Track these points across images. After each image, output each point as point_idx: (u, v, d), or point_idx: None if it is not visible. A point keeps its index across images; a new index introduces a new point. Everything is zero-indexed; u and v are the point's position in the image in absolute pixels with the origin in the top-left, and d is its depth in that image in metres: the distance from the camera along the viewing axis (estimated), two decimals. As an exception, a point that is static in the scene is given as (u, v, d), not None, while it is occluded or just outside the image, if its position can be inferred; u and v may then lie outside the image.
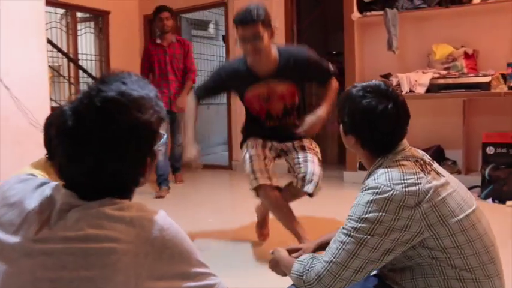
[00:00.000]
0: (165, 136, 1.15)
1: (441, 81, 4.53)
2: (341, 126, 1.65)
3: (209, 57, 8.95)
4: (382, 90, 1.54)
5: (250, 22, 2.56)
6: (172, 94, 5.03)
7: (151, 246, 0.95)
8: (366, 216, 1.41)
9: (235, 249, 3.04)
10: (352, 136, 1.57)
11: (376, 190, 1.42)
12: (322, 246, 1.97)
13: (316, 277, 1.43)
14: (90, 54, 6.54)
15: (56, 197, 1.00)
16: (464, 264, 1.41)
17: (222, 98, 8.85)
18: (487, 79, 4.30)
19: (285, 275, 1.72)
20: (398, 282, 1.53)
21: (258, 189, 2.75)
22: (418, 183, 1.42)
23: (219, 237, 3.25)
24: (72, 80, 6.24)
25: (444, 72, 4.65)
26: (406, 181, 1.42)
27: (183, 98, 4.86)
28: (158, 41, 5.10)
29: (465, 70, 4.61)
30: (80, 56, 6.35)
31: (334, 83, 2.83)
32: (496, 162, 4.14)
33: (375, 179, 1.46)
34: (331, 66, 2.83)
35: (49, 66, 5.64)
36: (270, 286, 2.12)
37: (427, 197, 1.40)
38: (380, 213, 1.39)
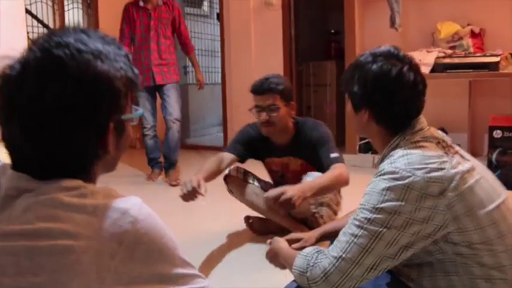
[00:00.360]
0: (140, 111, 0.95)
1: (447, 60, 4.32)
2: (349, 103, 1.45)
3: (203, 35, 8.68)
4: (393, 54, 1.36)
5: (267, 91, 2.45)
6: (153, 65, 4.28)
7: (120, 242, 0.75)
8: (382, 205, 1.22)
9: (231, 240, 2.85)
10: (365, 110, 1.37)
11: (394, 175, 1.23)
12: (325, 236, 1.79)
13: (322, 274, 1.25)
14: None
15: (0, 180, 0.80)
16: (494, 262, 1.23)
17: (217, 77, 8.70)
18: (495, 59, 4.10)
19: (284, 267, 1.56)
20: (414, 279, 1.35)
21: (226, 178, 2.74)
22: (441, 168, 1.23)
23: (213, 224, 3.07)
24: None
25: (449, 51, 4.45)
26: (428, 166, 1.23)
27: (199, 73, 4.68)
28: (141, 3, 4.30)
29: (471, 49, 4.42)
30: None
31: (338, 169, 2.39)
32: (503, 147, 3.98)
33: (391, 163, 1.26)
34: (336, 154, 2.48)
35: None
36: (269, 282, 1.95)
37: (453, 184, 1.21)
38: (398, 203, 1.20)
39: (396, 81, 1.32)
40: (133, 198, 0.81)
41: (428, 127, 1.41)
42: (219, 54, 7.02)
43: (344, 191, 2.63)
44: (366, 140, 5.13)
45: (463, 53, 4.40)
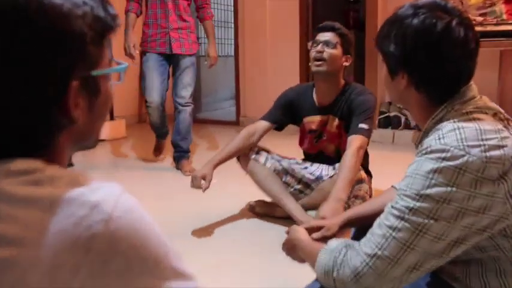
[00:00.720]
0: (124, 64, 0.72)
1: (478, 28, 3.98)
2: (384, 67, 1.20)
3: (215, 5, 8.36)
4: (439, 5, 1.11)
5: (329, 29, 2.41)
6: (171, 29, 3.61)
7: (87, 250, 0.53)
8: (428, 191, 0.98)
9: (241, 222, 2.65)
10: (404, 74, 1.13)
11: (443, 154, 0.99)
12: (350, 223, 1.57)
13: (352, 275, 1.03)
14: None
15: None
16: None
17: (230, 49, 8.41)
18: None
19: (303, 261, 1.32)
20: (460, 278, 1.12)
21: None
22: (502, 146, 0.99)
23: (224, 204, 2.86)
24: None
25: (480, 18, 4.12)
26: (486, 142, 0.99)
27: (212, 47, 3.81)
28: None
29: (504, 16, 4.08)
30: None
31: (354, 145, 2.24)
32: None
33: (439, 138, 1.02)
34: (367, 125, 2.30)
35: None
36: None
37: (516, 166, 0.97)
38: (448, 188, 0.97)
39: (442, 38, 1.07)
40: (109, 186, 0.59)
41: (480, 96, 1.16)
42: (232, 25, 6.73)
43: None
44: (386, 115, 4.87)
45: (495, 20, 4.07)
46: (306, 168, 2.56)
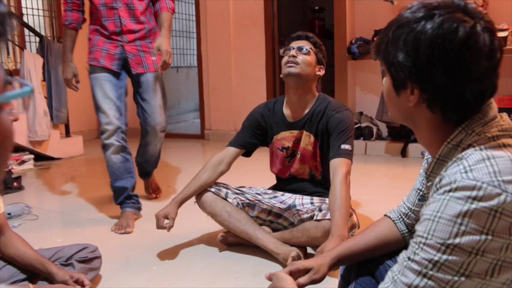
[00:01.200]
0: (28, 87, 0.48)
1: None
2: (388, 79, 0.99)
3: (178, 15, 8.10)
4: (459, 6, 0.90)
5: (303, 38, 2.28)
6: (126, 42, 2.79)
7: None
8: (457, 241, 0.78)
9: (214, 258, 2.39)
10: (414, 88, 0.92)
11: (474, 193, 0.79)
12: (340, 261, 1.35)
13: None
14: (37, 9, 5.65)
15: None
16: None
17: (193, 60, 8.16)
18: (503, 34, 3.68)
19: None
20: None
21: None
22: (543, 180, 0.78)
23: (191, 234, 2.60)
24: (16, 40, 5.37)
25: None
26: (524, 177, 0.78)
27: (164, 40, 2.72)
28: None
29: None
30: (24, 11, 5.46)
31: (341, 170, 2.04)
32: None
33: (466, 171, 0.81)
34: (349, 146, 2.12)
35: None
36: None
37: None
38: (483, 236, 0.78)
39: (466, 47, 0.86)
40: None
41: (500, 115, 0.96)
42: (195, 35, 6.49)
43: (373, 179, 2.20)
44: (357, 125, 4.72)
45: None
46: (275, 197, 2.33)
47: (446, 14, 0.88)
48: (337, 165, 2.03)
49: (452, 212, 0.80)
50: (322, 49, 2.28)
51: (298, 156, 2.26)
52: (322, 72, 2.25)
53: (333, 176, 2.02)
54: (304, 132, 2.23)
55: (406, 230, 1.29)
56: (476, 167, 0.81)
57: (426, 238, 0.82)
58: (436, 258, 0.80)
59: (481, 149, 0.85)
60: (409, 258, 0.84)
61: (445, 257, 0.79)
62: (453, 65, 0.87)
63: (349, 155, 2.07)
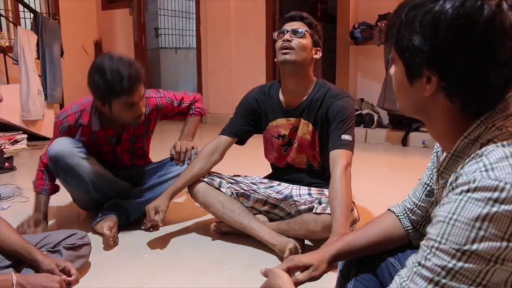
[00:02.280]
0: None
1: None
2: (398, 66, 0.90)
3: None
4: None
5: (297, 19, 2.12)
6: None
7: None
8: (475, 247, 0.71)
9: (206, 248, 2.32)
10: (432, 76, 0.83)
11: (496, 194, 0.71)
12: (339, 257, 1.28)
13: None
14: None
15: None
16: None
17: (192, 41, 8.02)
18: None
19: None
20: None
21: None
22: None
23: (183, 224, 2.53)
24: (10, 16, 5.25)
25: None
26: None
27: (189, 136, 2.47)
28: (96, 127, 2.26)
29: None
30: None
31: (341, 163, 1.93)
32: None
33: (486, 170, 0.74)
34: (350, 136, 2.01)
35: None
36: None
37: None
38: (504, 243, 0.74)
39: (491, 28, 0.77)
40: None
41: None
42: (194, 16, 6.36)
43: (374, 167, 2.11)
44: (358, 112, 4.63)
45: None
46: (271, 187, 2.24)
47: None
48: (337, 157, 1.94)
49: (470, 214, 0.72)
50: (318, 30, 2.14)
51: (295, 145, 2.16)
52: (319, 55, 2.12)
53: (333, 169, 1.93)
54: (302, 120, 2.12)
55: (411, 227, 1.22)
56: (499, 165, 0.73)
57: (440, 242, 0.74)
58: (450, 265, 0.72)
59: (503, 145, 0.77)
60: (419, 264, 0.76)
61: (460, 264, 0.71)
62: (477, 48, 0.78)
63: (349, 146, 1.97)
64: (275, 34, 2.13)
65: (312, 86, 2.13)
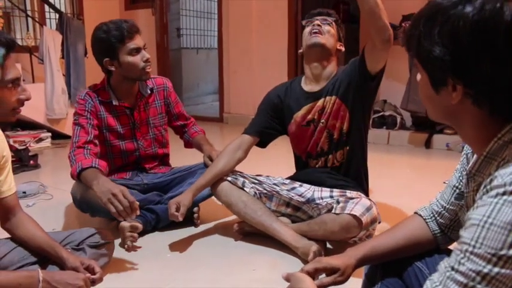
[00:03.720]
0: None
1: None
2: (423, 76, 0.88)
3: None
4: None
5: (324, 14, 2.21)
6: (146, 174, 2.47)
7: None
8: (511, 252, 0.67)
9: (229, 248, 2.31)
10: (456, 84, 0.81)
11: None
12: (365, 261, 1.26)
13: None
14: (59, -15, 5.61)
15: None
16: None
17: (213, 41, 8.04)
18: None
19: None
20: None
21: None
22: None
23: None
24: (36, 16, 5.33)
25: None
26: None
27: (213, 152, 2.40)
28: (115, 101, 2.33)
29: None
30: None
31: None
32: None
33: None
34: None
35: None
36: None
37: None
38: None
39: None
40: None
41: None
42: (216, 16, 6.39)
43: (394, 168, 2.09)
44: (380, 114, 4.58)
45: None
46: (293, 189, 2.20)
47: None
48: None
49: (507, 218, 0.70)
50: (342, 28, 2.25)
51: (323, 123, 2.15)
52: (342, 49, 2.20)
53: None
54: (327, 97, 2.13)
55: (439, 230, 1.20)
56: (535, 168, 0.71)
57: (474, 246, 0.72)
58: (485, 270, 0.70)
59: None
60: (452, 268, 0.74)
61: (496, 269, 0.69)
62: (499, 51, 0.76)
63: None
64: (304, 22, 2.20)
65: (335, 73, 2.17)
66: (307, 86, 2.19)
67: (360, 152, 2.15)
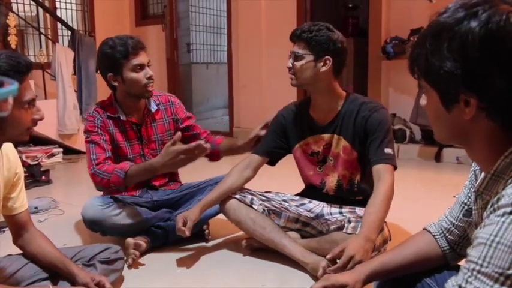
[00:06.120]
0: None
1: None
2: (432, 96, 0.89)
3: (208, 10, 8.09)
4: None
5: (295, 38, 2.10)
6: (156, 191, 2.46)
7: None
8: (519, 272, 0.67)
9: (236, 264, 2.32)
10: (470, 98, 0.81)
11: None
12: (375, 276, 1.26)
13: None
14: (70, 3, 5.69)
15: None
16: None
17: (223, 56, 8.11)
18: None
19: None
20: None
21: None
22: None
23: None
24: (49, 34, 5.42)
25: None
26: None
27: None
28: (122, 116, 2.35)
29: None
30: (58, 5, 5.51)
31: (388, 179, 1.90)
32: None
33: None
34: (390, 151, 1.96)
35: (17, 15, 4.81)
36: None
37: None
38: None
39: None
40: None
41: None
42: (225, 32, 6.44)
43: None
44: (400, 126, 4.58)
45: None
46: (302, 204, 2.21)
47: (491, 8, 0.78)
48: (383, 172, 1.90)
49: (514, 237, 0.70)
50: (320, 39, 2.02)
51: (331, 162, 2.13)
52: (329, 64, 2.00)
53: (378, 183, 1.88)
54: (335, 135, 2.09)
55: (448, 247, 1.20)
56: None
57: (481, 265, 0.73)
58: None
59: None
60: (460, 287, 0.75)
61: (503, 289, 0.70)
62: (510, 61, 0.77)
63: (393, 160, 1.93)
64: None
65: (341, 101, 2.09)
66: (315, 113, 2.15)
67: (371, 179, 2.05)
